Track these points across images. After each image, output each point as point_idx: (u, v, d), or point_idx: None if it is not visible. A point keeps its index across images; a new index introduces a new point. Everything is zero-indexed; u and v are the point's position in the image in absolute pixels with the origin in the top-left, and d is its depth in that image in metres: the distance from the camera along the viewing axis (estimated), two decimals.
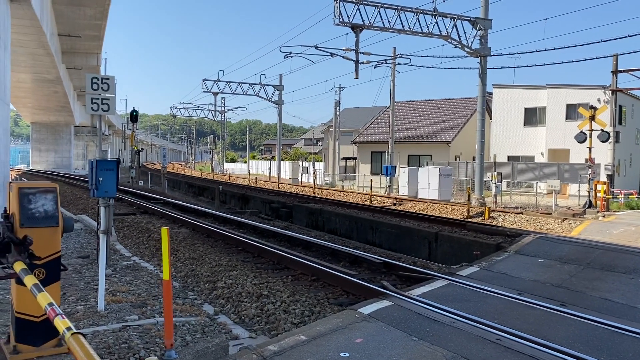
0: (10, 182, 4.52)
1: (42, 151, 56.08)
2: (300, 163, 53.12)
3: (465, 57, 22.73)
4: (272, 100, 42.07)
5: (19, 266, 3.45)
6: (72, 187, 29.13)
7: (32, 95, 40.04)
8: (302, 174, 48.10)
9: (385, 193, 30.02)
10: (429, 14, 20.62)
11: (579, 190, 24.53)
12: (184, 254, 10.40)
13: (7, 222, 4.08)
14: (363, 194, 28.71)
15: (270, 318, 6.38)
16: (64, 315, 2.52)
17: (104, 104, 9.76)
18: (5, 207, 4.38)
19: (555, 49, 21.96)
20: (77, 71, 34.96)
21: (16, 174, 40.46)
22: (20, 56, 25.62)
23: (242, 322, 6.35)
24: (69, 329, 2.37)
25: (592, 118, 19.87)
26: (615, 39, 21.36)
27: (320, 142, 76.16)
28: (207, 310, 6.49)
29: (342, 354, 4.47)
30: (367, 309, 5.82)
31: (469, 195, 19.87)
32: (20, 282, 3.53)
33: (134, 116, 28.71)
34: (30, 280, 3.10)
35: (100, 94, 9.62)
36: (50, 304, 2.67)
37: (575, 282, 7.56)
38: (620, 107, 31.25)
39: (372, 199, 25.16)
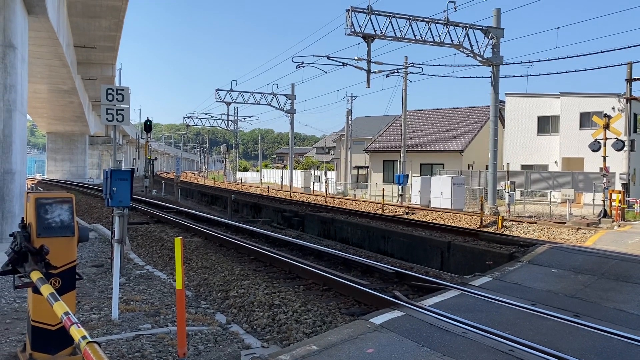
0: (27, 192, 4.60)
1: (58, 160, 56.75)
2: (312, 172, 53.18)
3: (477, 66, 22.72)
4: (284, 109, 42.26)
5: (35, 275, 3.51)
6: (87, 196, 29.44)
7: (48, 106, 40.62)
8: (314, 183, 48.14)
9: (397, 202, 29.94)
10: (441, 23, 20.65)
11: (593, 200, 24.29)
12: (197, 263, 10.46)
13: (24, 232, 4.15)
14: (375, 202, 28.67)
15: (282, 328, 6.39)
16: (79, 324, 2.57)
17: (119, 114, 9.88)
18: (23, 217, 4.47)
19: (568, 57, 21.83)
20: (92, 82, 35.45)
21: (32, 183, 41.01)
22: (37, 67, 26.03)
23: (254, 331, 6.37)
24: (84, 337, 2.42)
25: (607, 126, 19.71)
26: (629, 47, 21.21)
27: (332, 151, 76.21)
28: (219, 320, 6.52)
29: None
30: (379, 319, 5.82)
31: (481, 205, 19.77)
32: (36, 291, 3.59)
33: (147, 126, 28.99)
34: (46, 290, 3.16)
35: (115, 105, 9.75)
36: (66, 313, 2.72)
37: (589, 292, 7.49)
38: (635, 115, 30.93)
39: (384, 208, 25.11)
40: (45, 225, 4.26)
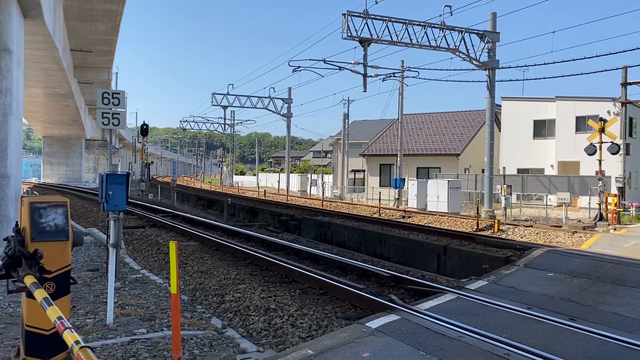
0: (21, 196, 4.58)
1: (54, 164, 56.58)
2: (309, 175, 53.19)
3: (473, 69, 22.80)
4: (281, 113, 42.30)
5: (29, 280, 3.49)
6: (83, 200, 29.36)
7: (44, 110, 40.53)
8: (310, 187, 48.13)
9: (394, 206, 29.96)
10: (437, 28, 20.72)
11: (589, 203, 24.35)
12: (193, 267, 10.43)
13: (18, 236, 4.13)
14: (372, 206, 28.67)
15: (278, 332, 6.38)
16: (72, 329, 2.56)
17: (115, 118, 9.88)
18: (17, 222, 4.45)
19: (563, 61, 22.00)
20: (89, 85, 35.41)
21: (27, 188, 40.84)
22: (33, 71, 25.99)
23: (249, 335, 6.35)
24: (77, 342, 2.41)
25: (602, 130, 19.78)
26: (624, 51, 21.24)
27: (329, 155, 76.24)
28: (215, 324, 6.50)
29: None
30: (375, 323, 5.82)
31: (478, 208, 19.80)
32: (30, 295, 3.57)
33: (144, 130, 28.97)
34: (40, 294, 3.15)
35: (110, 109, 9.74)
36: (60, 318, 2.71)
37: (585, 296, 7.50)
38: (631, 119, 31.07)
39: (380, 212, 25.12)
40: (39, 230, 4.25)
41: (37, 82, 29.62)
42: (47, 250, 4.05)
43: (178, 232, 15.77)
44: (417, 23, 20.47)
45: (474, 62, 21.78)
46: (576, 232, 16.07)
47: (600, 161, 19.84)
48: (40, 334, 4.28)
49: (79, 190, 39.13)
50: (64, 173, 56.74)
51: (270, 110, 41.98)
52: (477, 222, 18.69)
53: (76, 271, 9.40)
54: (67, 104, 37.19)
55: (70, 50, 27.78)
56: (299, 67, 26.43)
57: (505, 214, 22.26)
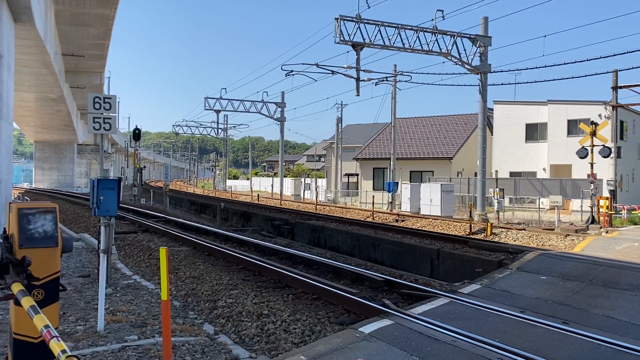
0: (10, 203, 4.53)
1: (45, 169, 56.22)
2: (302, 179, 53.12)
3: (465, 74, 22.88)
4: (274, 117, 42.27)
5: (16, 287, 3.44)
6: (74, 206, 29.17)
7: (35, 114, 40.28)
8: (304, 191, 48.08)
9: (387, 209, 29.97)
10: (429, 32, 20.79)
11: (581, 206, 24.46)
12: (185, 272, 10.37)
13: (6, 243, 4.07)
14: (365, 210, 28.67)
15: (271, 338, 6.34)
16: (59, 338, 2.51)
17: (106, 123, 9.82)
18: (5, 228, 4.39)
19: (555, 65, 22.16)
20: (81, 90, 35.22)
21: (19, 193, 40.56)
22: (24, 76, 25.83)
23: (242, 341, 6.31)
24: (63, 351, 2.36)
25: (593, 134, 19.88)
26: (614, 55, 21.48)
27: (322, 159, 76.27)
28: (207, 330, 6.45)
29: None
30: (368, 328, 5.79)
31: (471, 212, 19.82)
32: (18, 303, 3.52)
33: (136, 134, 28.87)
34: (27, 302, 3.10)
35: (102, 113, 9.68)
36: (47, 326, 2.66)
37: (578, 299, 7.51)
38: (622, 122, 31.28)
39: (374, 216, 25.12)
40: (27, 236, 4.19)
41: (28, 87, 29.43)
42: (36, 256, 3.99)
43: (170, 237, 15.68)
44: (410, 27, 20.53)
45: (466, 66, 21.87)
46: (568, 235, 16.13)
47: (592, 164, 19.94)
48: (28, 342, 4.21)
49: (70, 196, 38.89)
50: (55, 178, 56.37)
51: (264, 115, 41.97)
52: (470, 226, 18.71)
53: (67, 277, 9.32)
54: (59, 108, 36.99)
55: (61, 55, 27.63)
56: (291, 71, 26.45)
57: (498, 217, 22.31)
